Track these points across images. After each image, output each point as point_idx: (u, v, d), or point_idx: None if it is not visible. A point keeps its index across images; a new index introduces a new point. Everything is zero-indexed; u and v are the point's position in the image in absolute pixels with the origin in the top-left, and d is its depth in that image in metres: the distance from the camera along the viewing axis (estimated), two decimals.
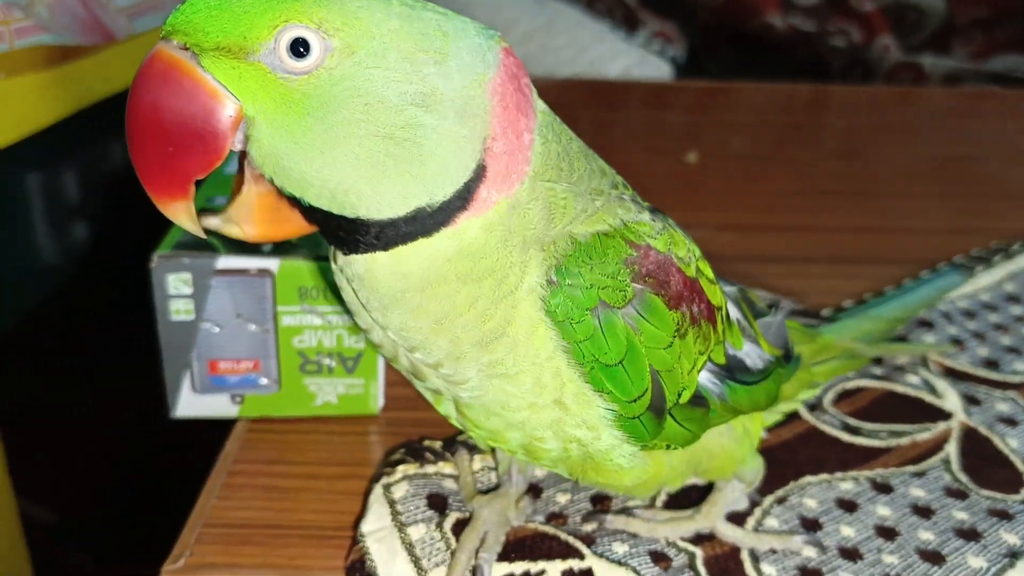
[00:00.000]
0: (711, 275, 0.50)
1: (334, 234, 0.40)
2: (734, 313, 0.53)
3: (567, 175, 0.43)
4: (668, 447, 0.49)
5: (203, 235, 0.41)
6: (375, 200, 0.38)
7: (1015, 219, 1.01)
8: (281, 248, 0.61)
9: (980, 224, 1.00)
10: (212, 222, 0.40)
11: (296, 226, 0.41)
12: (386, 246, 0.40)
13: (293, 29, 0.36)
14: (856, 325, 0.68)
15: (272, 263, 0.60)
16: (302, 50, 0.36)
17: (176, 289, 0.60)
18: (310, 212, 0.39)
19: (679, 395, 0.47)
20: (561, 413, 0.45)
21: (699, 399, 0.49)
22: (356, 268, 0.42)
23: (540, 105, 0.43)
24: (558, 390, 0.44)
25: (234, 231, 0.41)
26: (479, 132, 0.39)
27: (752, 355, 0.53)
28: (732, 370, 0.51)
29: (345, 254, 0.42)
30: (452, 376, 0.45)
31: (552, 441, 0.46)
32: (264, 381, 0.63)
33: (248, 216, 0.40)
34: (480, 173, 0.39)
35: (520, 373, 0.43)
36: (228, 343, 0.62)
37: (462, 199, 0.39)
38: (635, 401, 0.45)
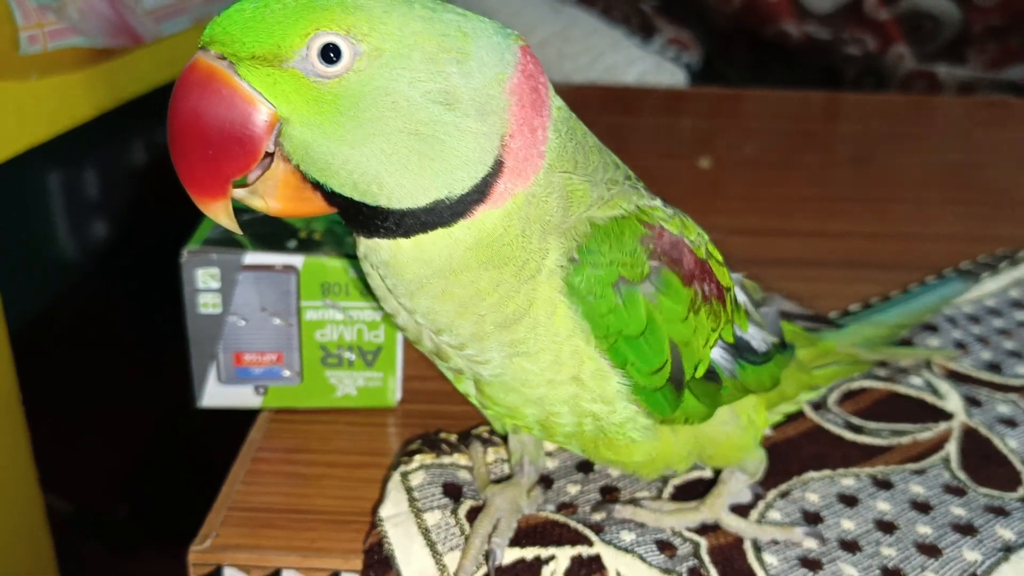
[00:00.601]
0: (720, 258, 0.52)
1: (354, 218, 0.43)
2: (741, 297, 0.56)
3: (583, 167, 0.46)
4: (687, 421, 0.52)
5: (240, 231, 0.43)
6: (396, 191, 0.41)
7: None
8: (305, 245, 0.63)
9: (990, 231, 1.01)
10: (239, 192, 0.42)
11: (317, 206, 0.43)
12: (406, 233, 0.42)
13: (324, 36, 0.38)
14: (859, 331, 0.69)
15: (297, 259, 0.63)
16: (332, 55, 0.38)
17: (205, 283, 0.63)
18: (332, 196, 0.42)
19: (695, 368, 0.50)
20: (578, 389, 0.48)
21: (712, 374, 0.52)
22: (382, 255, 0.44)
23: (556, 102, 0.45)
24: (576, 367, 0.47)
25: (258, 203, 0.43)
26: (497, 129, 0.41)
27: (757, 337, 0.55)
28: (740, 349, 0.54)
29: (365, 238, 0.44)
30: (476, 356, 0.47)
31: (568, 416, 0.49)
32: (287, 373, 0.66)
33: (272, 191, 0.42)
34: (497, 168, 0.42)
35: (540, 351, 0.46)
36: (253, 336, 0.64)
37: (480, 192, 0.42)
38: (656, 372, 0.48)
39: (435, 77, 0.39)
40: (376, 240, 0.43)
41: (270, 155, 0.41)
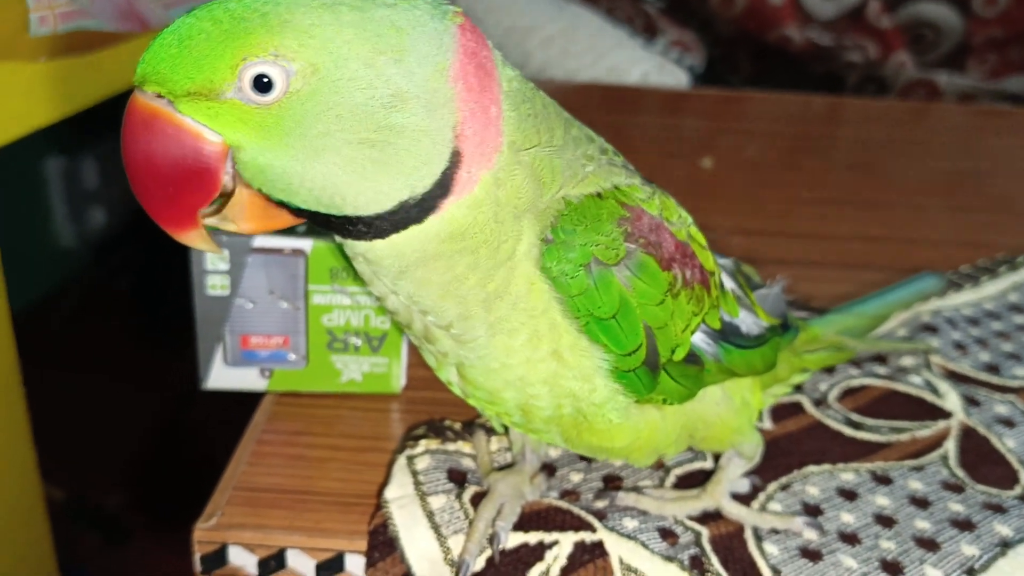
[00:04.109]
0: (703, 241, 0.53)
1: (326, 225, 0.43)
2: (729, 283, 0.56)
3: (547, 139, 0.45)
4: (664, 401, 0.52)
5: (220, 252, 0.44)
6: (359, 199, 0.41)
7: (1022, 234, 1.04)
8: (315, 229, 0.64)
9: (987, 238, 1.02)
10: (210, 220, 0.43)
11: (287, 220, 0.43)
12: (379, 235, 0.43)
13: (253, 67, 0.37)
14: (840, 320, 0.71)
15: (306, 243, 0.63)
16: (266, 82, 0.38)
17: (213, 265, 0.63)
18: (299, 211, 0.42)
19: (673, 352, 0.50)
20: (557, 366, 0.48)
21: (693, 357, 0.52)
22: (359, 248, 0.45)
23: (507, 72, 0.44)
24: (555, 341, 0.47)
25: (230, 227, 0.43)
26: (448, 121, 0.41)
27: (747, 322, 0.56)
28: (726, 334, 0.54)
29: (342, 239, 0.45)
30: (462, 335, 0.47)
31: (547, 398, 0.49)
32: (293, 357, 0.66)
33: (241, 215, 0.42)
34: (456, 158, 0.41)
35: (520, 327, 0.46)
36: (260, 319, 0.65)
37: (442, 187, 0.42)
38: (630, 355, 0.48)
39: (375, 82, 0.38)
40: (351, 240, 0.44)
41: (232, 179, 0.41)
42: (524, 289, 0.45)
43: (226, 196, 0.42)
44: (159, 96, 0.38)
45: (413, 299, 0.46)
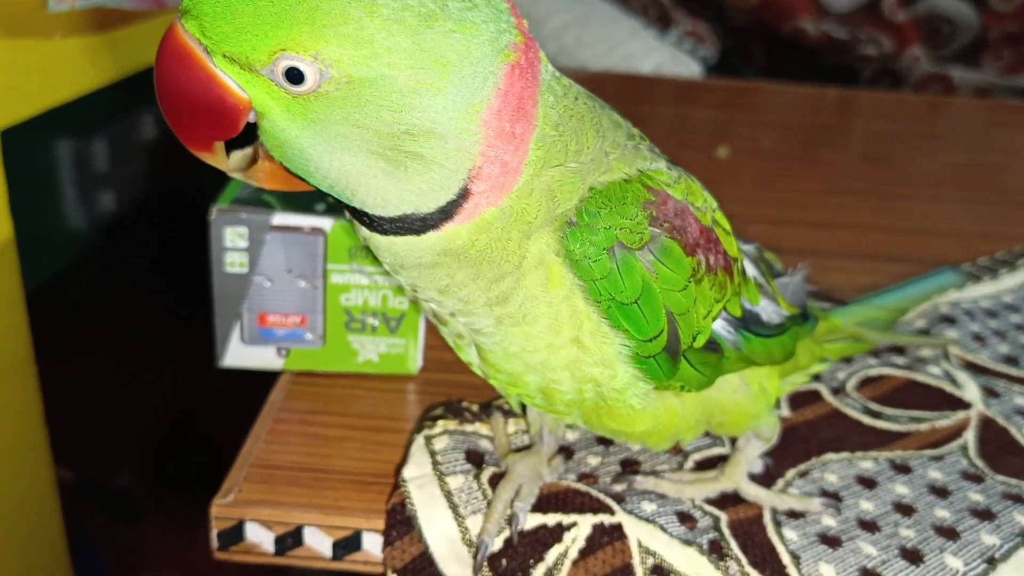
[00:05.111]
0: (727, 227, 0.52)
1: (338, 201, 0.43)
2: (751, 270, 0.56)
3: (574, 153, 0.44)
4: (682, 388, 0.51)
5: (229, 171, 0.44)
6: (366, 199, 0.41)
7: None
8: (335, 208, 0.63)
9: (1003, 230, 1.02)
10: (236, 175, 0.44)
11: (306, 184, 0.43)
12: (381, 231, 0.43)
13: (289, 59, 0.37)
14: (861, 311, 0.70)
15: (326, 222, 0.63)
16: (298, 76, 0.37)
17: (232, 242, 0.63)
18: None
19: (694, 339, 0.50)
20: (579, 352, 0.47)
21: (713, 345, 0.51)
22: (362, 232, 0.45)
23: (548, 99, 0.43)
24: (576, 328, 0.46)
25: (254, 183, 0.44)
26: (465, 164, 0.40)
27: (768, 310, 0.55)
28: (747, 322, 0.53)
29: (351, 216, 0.45)
30: (470, 324, 0.48)
31: (568, 383, 0.49)
32: (310, 336, 0.66)
33: (263, 178, 0.43)
34: (464, 194, 0.41)
35: (539, 317, 0.46)
36: (278, 297, 0.65)
37: (445, 212, 0.42)
38: (651, 341, 0.47)
39: (404, 110, 0.38)
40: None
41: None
42: (539, 283, 0.45)
43: (251, 146, 0.43)
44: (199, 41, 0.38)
45: (415, 288, 0.47)
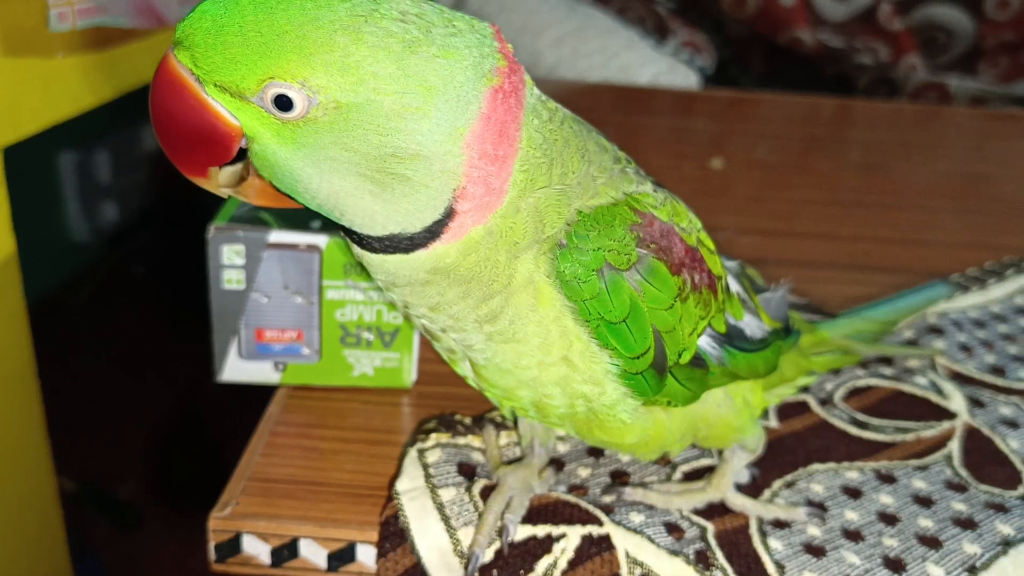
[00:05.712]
0: (712, 246, 0.54)
1: (327, 219, 0.45)
2: (735, 286, 0.57)
3: (559, 176, 0.46)
4: (669, 403, 0.53)
5: (224, 195, 0.46)
6: (354, 219, 0.43)
7: None
8: (330, 226, 0.65)
9: (996, 240, 1.03)
10: (227, 191, 0.45)
11: (296, 203, 0.45)
12: (370, 250, 0.45)
13: (277, 87, 0.39)
14: (850, 324, 0.72)
15: (321, 239, 0.64)
16: (286, 103, 0.39)
17: (230, 260, 0.64)
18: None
19: (679, 355, 0.51)
20: (568, 370, 0.49)
21: (699, 361, 0.53)
22: (355, 249, 0.47)
23: (533, 122, 0.44)
24: (565, 347, 0.48)
25: (244, 199, 0.46)
26: (450, 184, 0.42)
27: (752, 325, 0.57)
28: (732, 337, 0.55)
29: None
30: (461, 340, 0.49)
31: (560, 398, 0.50)
32: (306, 351, 0.67)
33: (254, 194, 0.45)
34: (450, 214, 0.43)
35: (529, 336, 0.47)
36: (275, 313, 0.66)
37: (432, 232, 0.43)
38: (639, 358, 0.49)
39: (390, 133, 0.40)
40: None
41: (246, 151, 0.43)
42: (528, 303, 0.46)
43: (241, 163, 0.44)
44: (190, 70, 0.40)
45: (407, 305, 0.48)
